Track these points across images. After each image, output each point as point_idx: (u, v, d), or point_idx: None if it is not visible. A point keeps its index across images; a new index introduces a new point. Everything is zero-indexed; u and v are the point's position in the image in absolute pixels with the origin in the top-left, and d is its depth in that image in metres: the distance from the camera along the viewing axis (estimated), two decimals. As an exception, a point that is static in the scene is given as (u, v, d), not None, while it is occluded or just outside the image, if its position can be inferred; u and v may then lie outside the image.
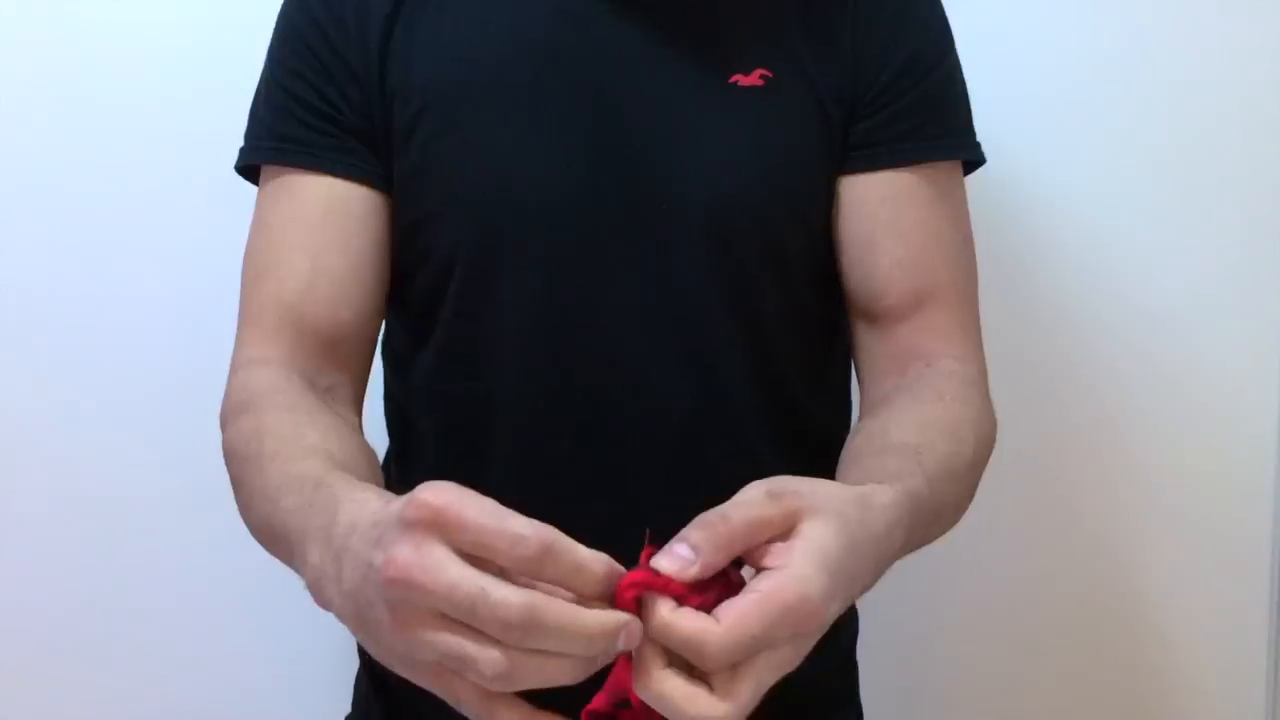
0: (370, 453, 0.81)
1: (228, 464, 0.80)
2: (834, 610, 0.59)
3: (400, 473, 0.96)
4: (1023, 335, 1.25)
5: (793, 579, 0.57)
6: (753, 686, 0.57)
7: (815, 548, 0.58)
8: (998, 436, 0.85)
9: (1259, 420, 1.27)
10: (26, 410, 1.26)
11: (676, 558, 0.57)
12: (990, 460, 0.83)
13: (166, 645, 1.29)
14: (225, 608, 1.29)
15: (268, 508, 0.72)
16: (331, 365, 0.86)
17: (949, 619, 1.31)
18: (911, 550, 0.72)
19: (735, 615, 0.55)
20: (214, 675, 1.30)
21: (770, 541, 0.59)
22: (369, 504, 0.62)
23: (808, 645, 0.59)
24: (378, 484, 0.73)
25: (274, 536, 0.71)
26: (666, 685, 0.56)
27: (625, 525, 0.87)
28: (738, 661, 0.56)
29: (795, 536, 0.58)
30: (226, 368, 0.89)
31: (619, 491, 0.88)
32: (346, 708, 1.03)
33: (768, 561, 0.58)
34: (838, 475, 0.78)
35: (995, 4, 1.22)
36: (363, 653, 0.99)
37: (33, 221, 1.24)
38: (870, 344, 0.90)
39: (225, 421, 0.82)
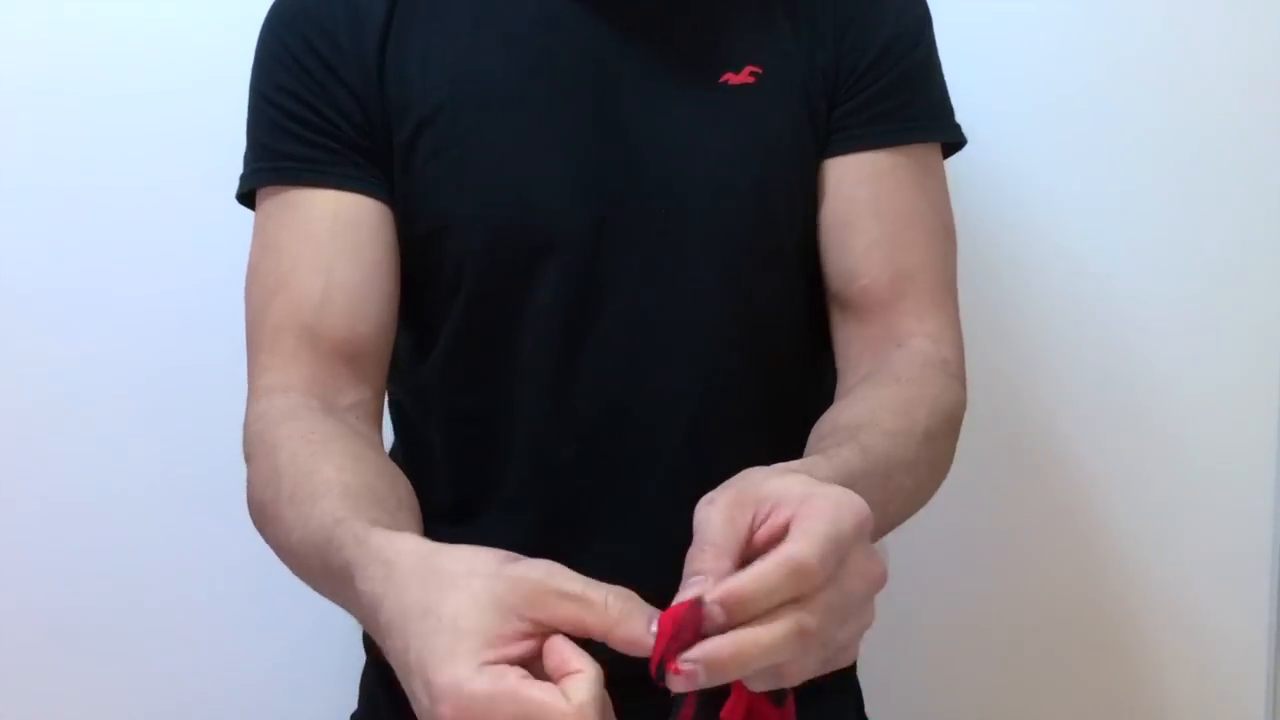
0: (391, 470, 0.79)
1: (250, 505, 0.78)
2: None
3: (407, 469, 0.96)
4: (1022, 335, 1.25)
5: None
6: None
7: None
8: (999, 435, 0.83)
9: (1259, 420, 1.27)
10: (26, 410, 1.26)
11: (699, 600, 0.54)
12: (991, 457, 0.82)
13: (169, 643, 1.29)
14: (228, 605, 1.28)
15: (294, 564, 0.71)
16: (352, 381, 0.85)
17: (948, 606, 1.30)
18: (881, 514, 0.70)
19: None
20: (218, 673, 1.29)
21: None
22: (386, 601, 0.58)
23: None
24: (397, 503, 0.73)
25: (316, 587, 0.71)
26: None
27: (631, 525, 0.88)
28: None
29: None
30: (229, 365, 0.89)
31: (626, 493, 0.88)
32: (352, 704, 1.03)
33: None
34: None
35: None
36: (369, 649, 1.00)
37: (33, 221, 1.23)
38: (847, 331, 0.88)
39: (246, 456, 0.81)
